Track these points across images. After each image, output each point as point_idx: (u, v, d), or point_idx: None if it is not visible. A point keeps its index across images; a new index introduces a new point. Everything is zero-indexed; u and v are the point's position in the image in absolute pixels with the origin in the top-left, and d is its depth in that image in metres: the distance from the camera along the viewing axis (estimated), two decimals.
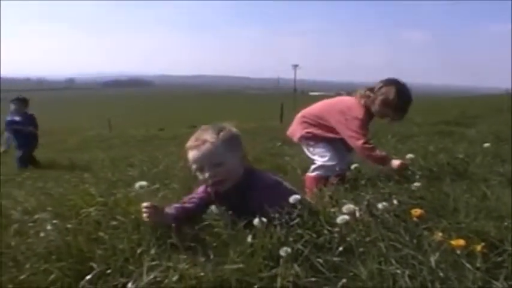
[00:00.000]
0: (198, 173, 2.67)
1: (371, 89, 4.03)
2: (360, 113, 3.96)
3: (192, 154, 2.62)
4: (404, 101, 4.03)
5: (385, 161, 3.85)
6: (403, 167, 3.77)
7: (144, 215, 2.51)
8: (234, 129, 2.70)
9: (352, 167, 3.85)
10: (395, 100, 3.95)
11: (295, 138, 4.24)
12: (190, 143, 2.64)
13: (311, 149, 4.12)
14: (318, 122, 4.09)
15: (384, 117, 4.10)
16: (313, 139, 4.08)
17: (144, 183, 2.78)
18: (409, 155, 4.00)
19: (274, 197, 2.48)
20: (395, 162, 3.79)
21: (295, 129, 4.24)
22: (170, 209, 2.69)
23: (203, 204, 2.74)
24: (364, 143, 3.85)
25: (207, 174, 2.61)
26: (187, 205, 2.79)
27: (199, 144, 2.59)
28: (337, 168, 3.96)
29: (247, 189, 2.61)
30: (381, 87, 4.00)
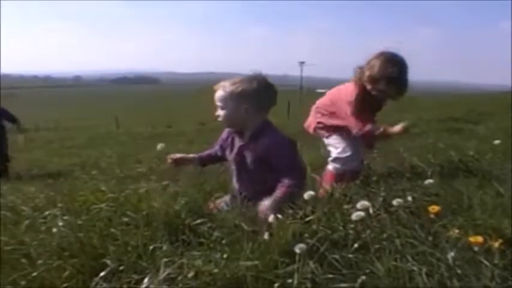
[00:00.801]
0: None
1: (361, 67, 3.79)
2: (351, 95, 3.77)
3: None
4: (393, 70, 3.61)
5: (385, 134, 3.66)
6: (406, 130, 3.61)
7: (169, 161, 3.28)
8: (249, 86, 2.98)
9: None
10: (381, 72, 3.61)
11: (310, 130, 4.14)
12: (217, 84, 3.09)
13: (326, 140, 4.01)
14: (328, 111, 3.99)
15: (385, 97, 3.87)
16: (325, 129, 3.99)
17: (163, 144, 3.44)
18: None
19: (280, 149, 2.94)
20: (397, 128, 3.59)
21: (310, 121, 4.15)
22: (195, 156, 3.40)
23: (225, 146, 3.27)
24: (358, 126, 3.73)
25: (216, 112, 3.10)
26: (210, 151, 3.41)
27: (219, 87, 3.05)
28: (354, 163, 3.84)
29: (260, 136, 2.99)
30: (366, 63, 3.74)
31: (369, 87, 3.71)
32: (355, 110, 3.73)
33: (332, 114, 3.95)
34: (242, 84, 2.97)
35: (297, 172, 2.88)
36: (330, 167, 3.92)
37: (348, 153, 3.85)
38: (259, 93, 2.98)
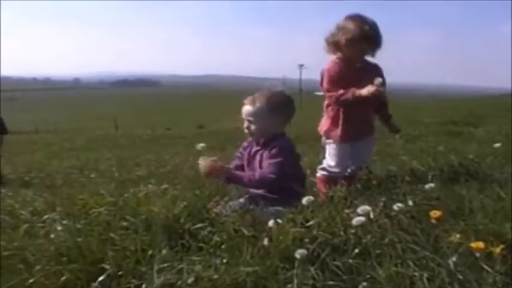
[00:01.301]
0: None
1: (332, 36, 3.70)
2: (327, 68, 3.73)
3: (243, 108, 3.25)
4: (369, 27, 3.60)
5: (356, 95, 3.54)
6: (377, 92, 3.48)
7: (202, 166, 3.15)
8: (280, 100, 3.25)
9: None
10: (360, 32, 3.57)
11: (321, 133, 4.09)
12: (246, 99, 3.26)
13: (326, 146, 3.96)
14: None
15: (362, 55, 3.72)
16: (326, 134, 3.94)
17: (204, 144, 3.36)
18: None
19: (279, 150, 3.10)
20: (369, 90, 3.49)
21: (321, 124, 4.00)
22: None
23: (244, 154, 3.37)
24: (334, 97, 3.64)
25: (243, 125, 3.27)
26: (235, 164, 3.41)
27: (248, 102, 3.22)
28: (336, 169, 3.76)
29: (272, 141, 3.17)
30: (338, 30, 3.66)
31: (347, 51, 3.66)
32: (331, 81, 3.68)
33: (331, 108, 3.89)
34: (275, 98, 3.22)
35: (275, 177, 3.03)
36: (318, 174, 3.89)
37: (338, 170, 3.80)
38: (288, 105, 3.30)
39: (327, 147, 3.90)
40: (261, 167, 3.17)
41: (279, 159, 3.07)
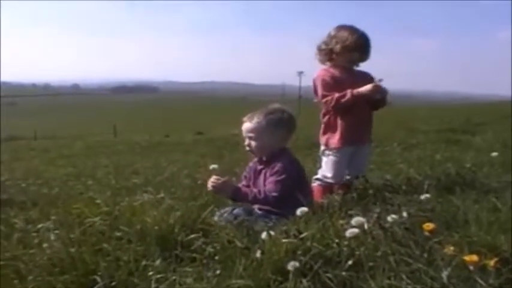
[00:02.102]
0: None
1: (325, 45, 3.79)
2: (319, 74, 3.80)
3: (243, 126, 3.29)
4: (361, 35, 3.71)
5: (355, 94, 3.60)
6: (376, 89, 3.58)
7: (210, 185, 3.14)
8: (280, 116, 3.25)
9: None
10: (355, 41, 3.66)
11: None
12: (246, 117, 3.29)
13: (323, 156, 3.94)
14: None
15: (354, 63, 3.82)
16: (324, 142, 3.89)
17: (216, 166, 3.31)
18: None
19: (282, 170, 3.12)
20: (367, 87, 3.57)
21: (320, 133, 3.99)
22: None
23: (250, 174, 3.40)
24: (333, 100, 3.63)
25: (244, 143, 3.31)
26: (244, 183, 3.44)
27: (247, 119, 3.26)
28: (334, 183, 3.79)
29: (276, 159, 3.19)
30: (331, 38, 3.75)
31: (340, 60, 3.74)
32: (324, 87, 3.71)
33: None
34: (275, 115, 3.24)
35: (277, 195, 3.06)
36: (314, 183, 3.87)
37: (333, 181, 3.78)
38: (288, 121, 3.29)
39: (324, 156, 3.88)
40: (265, 185, 3.19)
41: (282, 177, 3.10)
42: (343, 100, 3.60)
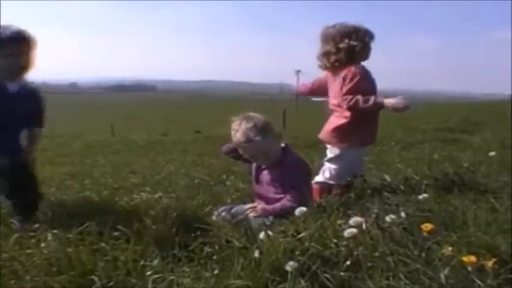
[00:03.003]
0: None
1: (342, 44, 3.68)
2: (357, 71, 3.65)
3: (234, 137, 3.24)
4: (365, 34, 3.69)
5: (379, 102, 3.51)
6: (405, 107, 3.49)
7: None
8: (257, 121, 3.18)
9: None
10: (366, 34, 3.67)
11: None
12: (232, 130, 3.24)
13: (328, 154, 3.87)
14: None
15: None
16: (338, 139, 3.79)
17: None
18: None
19: (298, 171, 3.22)
20: (395, 102, 3.47)
21: (326, 130, 3.91)
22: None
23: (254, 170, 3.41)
24: (348, 100, 3.55)
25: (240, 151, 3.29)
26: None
27: (234, 134, 3.21)
28: (335, 184, 3.76)
29: (282, 162, 3.23)
30: (343, 37, 3.66)
31: (362, 55, 3.70)
32: (359, 88, 3.56)
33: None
34: (259, 119, 3.20)
35: (301, 192, 3.07)
36: (314, 184, 3.81)
37: (333, 182, 3.74)
38: (266, 121, 3.24)
39: (332, 155, 3.79)
40: (270, 184, 3.24)
41: (300, 187, 3.13)
42: (364, 105, 3.50)
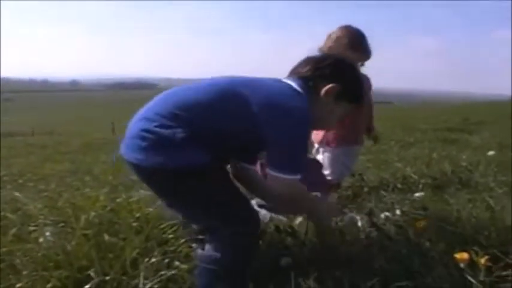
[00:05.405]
0: None
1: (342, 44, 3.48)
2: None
3: None
4: (360, 33, 3.52)
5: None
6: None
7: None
8: None
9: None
10: (356, 35, 3.48)
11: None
12: None
13: (327, 153, 3.86)
14: None
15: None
16: (337, 139, 3.80)
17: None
18: None
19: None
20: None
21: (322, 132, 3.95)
22: None
23: None
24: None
25: None
26: None
27: None
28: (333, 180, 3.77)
29: None
30: (337, 38, 3.47)
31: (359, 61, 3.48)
32: None
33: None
34: None
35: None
36: None
37: (331, 178, 3.73)
38: None
39: (329, 153, 3.78)
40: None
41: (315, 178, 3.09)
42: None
